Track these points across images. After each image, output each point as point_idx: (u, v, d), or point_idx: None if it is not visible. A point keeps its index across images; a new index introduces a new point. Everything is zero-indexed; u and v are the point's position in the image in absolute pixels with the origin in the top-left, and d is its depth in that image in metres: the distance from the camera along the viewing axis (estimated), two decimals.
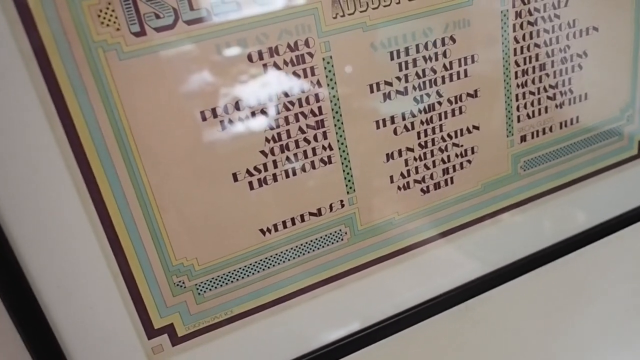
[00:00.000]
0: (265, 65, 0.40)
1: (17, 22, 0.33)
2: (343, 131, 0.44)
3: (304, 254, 0.46)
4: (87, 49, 0.35)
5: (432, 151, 0.48)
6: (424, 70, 0.45)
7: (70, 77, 0.35)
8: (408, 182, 0.48)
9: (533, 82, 0.51)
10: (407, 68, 0.45)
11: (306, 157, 0.43)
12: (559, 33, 0.51)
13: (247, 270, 0.44)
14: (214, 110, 0.39)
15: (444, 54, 0.46)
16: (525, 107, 0.52)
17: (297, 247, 0.45)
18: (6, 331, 0.39)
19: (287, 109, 0.41)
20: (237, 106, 0.40)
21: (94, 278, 0.39)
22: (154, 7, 0.35)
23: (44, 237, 0.37)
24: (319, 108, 0.42)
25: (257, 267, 0.44)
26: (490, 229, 0.54)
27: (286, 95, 0.41)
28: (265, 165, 0.42)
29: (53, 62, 0.34)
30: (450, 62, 0.46)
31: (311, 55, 0.41)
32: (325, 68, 0.42)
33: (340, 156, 0.44)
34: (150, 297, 0.42)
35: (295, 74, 0.41)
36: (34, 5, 0.33)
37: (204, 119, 0.39)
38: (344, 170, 0.45)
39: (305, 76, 0.41)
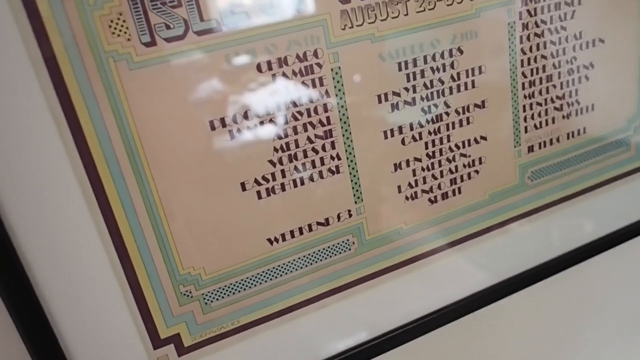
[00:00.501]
0: (274, 76, 0.40)
1: (29, 31, 0.33)
2: (351, 141, 0.44)
3: (311, 263, 0.46)
4: (98, 59, 0.35)
5: (439, 161, 0.48)
6: (431, 81, 0.46)
7: (81, 86, 0.35)
8: (416, 192, 0.48)
9: (540, 93, 0.51)
10: (415, 79, 0.45)
11: (314, 166, 0.43)
12: (565, 45, 0.51)
13: (254, 280, 0.44)
14: (222, 120, 0.39)
15: (452, 65, 0.46)
16: (532, 117, 0.52)
17: (304, 256, 0.45)
18: (12, 338, 0.39)
19: (296, 119, 0.42)
20: (245, 116, 0.40)
21: (101, 286, 0.39)
22: (164, 17, 0.36)
23: (51, 244, 0.37)
24: (327, 118, 0.43)
25: (264, 276, 0.44)
26: (498, 239, 0.54)
27: (295, 105, 0.41)
28: (273, 174, 0.42)
29: (64, 71, 0.34)
30: (458, 73, 0.47)
31: (320, 65, 0.41)
32: (333, 78, 0.42)
33: (348, 166, 0.44)
34: (157, 306, 0.42)
35: (303, 84, 0.41)
36: (45, 15, 0.33)
37: (213, 128, 0.39)
38: (352, 180, 0.45)
39: (314, 86, 0.41)
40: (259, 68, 0.39)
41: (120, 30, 0.35)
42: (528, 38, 0.49)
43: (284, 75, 0.40)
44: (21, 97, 0.34)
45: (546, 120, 0.53)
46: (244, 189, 0.41)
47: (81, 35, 0.34)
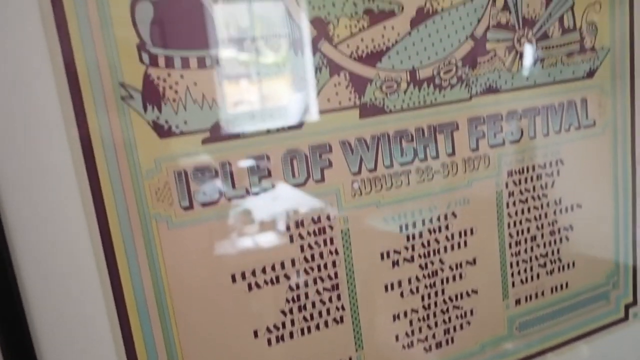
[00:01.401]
0: (291, 237, 0.45)
1: (88, 196, 0.39)
2: (355, 294, 0.48)
3: None
4: (142, 219, 0.40)
5: (434, 313, 0.53)
6: (428, 241, 0.51)
7: (125, 240, 0.40)
8: (412, 341, 0.52)
9: (525, 251, 0.57)
10: (414, 239, 0.50)
11: (321, 316, 0.47)
12: (547, 210, 0.57)
13: None
14: (243, 274, 0.44)
15: (446, 227, 0.52)
16: (518, 273, 0.57)
17: None
18: None
19: (307, 273, 0.46)
20: (263, 270, 0.45)
21: None
22: (202, 186, 0.42)
23: None
24: (335, 273, 0.47)
25: None
26: None
27: (307, 260, 0.46)
28: (283, 323, 0.46)
29: (112, 229, 0.39)
30: (452, 234, 0.52)
31: (331, 227, 0.47)
32: (342, 238, 0.47)
33: (352, 316, 0.49)
34: None
35: (316, 243, 0.46)
36: (104, 184, 0.39)
37: (234, 281, 0.44)
38: (354, 329, 0.49)
39: (325, 245, 0.47)
40: (278, 229, 0.45)
41: (164, 196, 0.41)
42: (514, 204, 0.55)
43: (300, 236, 0.46)
44: (74, 251, 0.39)
45: (531, 276, 0.58)
46: (256, 336, 0.45)
47: (132, 200, 0.40)
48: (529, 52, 0.53)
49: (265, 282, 0.45)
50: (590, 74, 0.57)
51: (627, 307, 0.65)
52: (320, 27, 0.44)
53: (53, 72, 0.37)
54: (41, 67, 0.37)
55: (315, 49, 0.44)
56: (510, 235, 0.56)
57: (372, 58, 0.46)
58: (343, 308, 0.48)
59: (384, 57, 0.47)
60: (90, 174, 0.39)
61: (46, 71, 0.37)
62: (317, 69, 0.44)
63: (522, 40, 0.53)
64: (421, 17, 0.48)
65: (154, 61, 0.39)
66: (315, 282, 0.47)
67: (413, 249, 0.51)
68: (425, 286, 0.52)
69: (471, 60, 0.50)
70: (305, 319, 0.47)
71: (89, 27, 0.37)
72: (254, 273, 0.44)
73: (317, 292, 0.47)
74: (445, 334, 0.54)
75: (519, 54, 0.53)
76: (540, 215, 0.57)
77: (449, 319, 0.54)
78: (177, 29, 0.40)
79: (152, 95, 0.40)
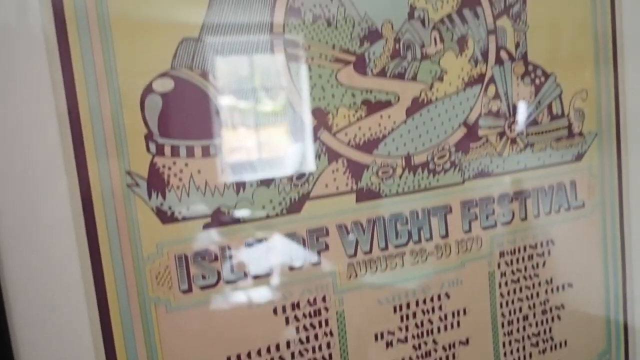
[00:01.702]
0: (287, 319, 0.46)
1: (89, 279, 0.40)
2: None
3: None
4: (142, 303, 0.41)
5: None
6: (422, 322, 0.52)
7: (123, 324, 0.41)
8: None
9: (518, 331, 0.58)
10: (407, 319, 0.51)
11: None
12: (538, 289, 0.58)
13: None
14: (238, 356, 0.44)
15: (440, 308, 0.53)
16: (511, 353, 0.57)
17: None
18: None
19: (302, 355, 0.47)
20: (259, 352, 0.45)
21: None
22: (202, 270, 0.43)
23: None
24: (330, 355, 0.48)
25: None
26: None
27: (301, 342, 0.47)
28: None
29: (112, 312, 0.40)
30: (445, 315, 0.53)
31: (327, 309, 0.47)
32: (337, 320, 0.48)
33: None
34: None
35: (312, 325, 0.47)
36: (106, 268, 0.40)
37: None
38: None
39: (320, 326, 0.47)
40: (274, 311, 0.46)
41: (164, 280, 0.42)
42: (506, 284, 0.56)
43: (295, 318, 0.46)
44: (76, 340, 0.40)
45: (524, 355, 0.58)
46: None
47: (132, 284, 0.41)
48: (519, 138, 0.56)
49: None
50: (579, 157, 0.60)
51: None
52: (320, 117, 0.46)
53: (64, 162, 0.38)
54: (52, 160, 0.38)
55: (315, 137, 0.46)
56: (503, 315, 0.57)
57: (369, 145, 0.48)
58: None
59: (381, 144, 0.49)
60: (93, 257, 0.40)
61: (57, 159, 0.38)
62: (317, 156, 0.46)
63: (512, 126, 0.55)
64: (416, 106, 0.50)
65: (160, 150, 0.41)
66: None
67: (407, 329, 0.51)
68: None
69: (464, 146, 0.53)
70: None
71: (100, 119, 0.39)
72: (249, 355, 0.45)
73: None
74: None
75: (509, 140, 0.55)
76: (532, 295, 0.58)
77: None
78: (183, 119, 0.42)
79: (157, 183, 0.41)
